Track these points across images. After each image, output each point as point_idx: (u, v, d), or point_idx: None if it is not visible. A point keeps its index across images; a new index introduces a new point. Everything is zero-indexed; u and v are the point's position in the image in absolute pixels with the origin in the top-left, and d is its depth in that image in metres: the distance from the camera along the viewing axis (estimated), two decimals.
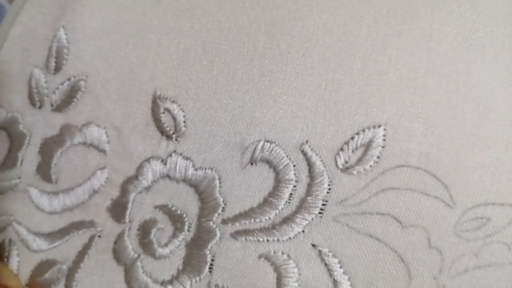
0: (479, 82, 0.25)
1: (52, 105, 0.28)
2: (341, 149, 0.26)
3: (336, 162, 0.25)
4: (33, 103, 0.28)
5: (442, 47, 0.26)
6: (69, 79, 0.28)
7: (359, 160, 0.25)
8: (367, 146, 0.25)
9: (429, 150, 0.25)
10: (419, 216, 0.25)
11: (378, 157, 0.25)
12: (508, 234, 0.25)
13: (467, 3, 0.26)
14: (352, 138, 0.25)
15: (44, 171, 0.28)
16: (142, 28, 0.28)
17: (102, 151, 0.27)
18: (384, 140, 0.25)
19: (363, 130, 0.25)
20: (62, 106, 0.28)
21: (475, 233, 0.25)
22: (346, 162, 0.25)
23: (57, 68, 0.28)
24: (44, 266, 0.27)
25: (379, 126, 0.25)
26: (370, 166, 0.25)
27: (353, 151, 0.25)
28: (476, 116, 0.25)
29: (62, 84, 0.28)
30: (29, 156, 0.28)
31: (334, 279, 0.25)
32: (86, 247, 0.27)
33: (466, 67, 0.26)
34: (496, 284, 0.25)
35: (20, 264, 0.28)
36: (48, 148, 0.28)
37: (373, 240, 0.25)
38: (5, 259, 0.28)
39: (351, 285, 0.25)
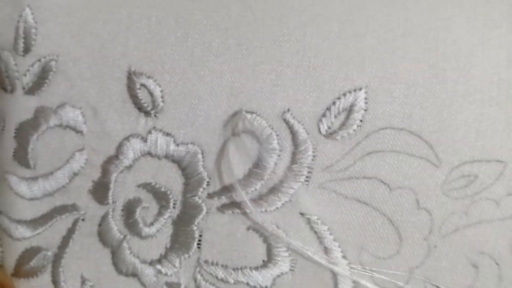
0: (458, 39, 0.25)
1: (24, 88, 0.27)
2: (324, 115, 0.25)
3: (319, 128, 0.25)
4: (4, 88, 0.27)
5: (419, 5, 0.25)
6: (39, 60, 0.27)
7: (342, 125, 0.25)
8: (350, 110, 0.25)
9: (412, 111, 0.25)
10: (406, 177, 0.25)
11: (361, 121, 0.25)
12: (496, 190, 0.25)
13: None
14: (334, 103, 0.25)
15: (21, 156, 0.27)
16: (111, 3, 0.27)
17: (79, 132, 0.27)
18: (366, 103, 0.25)
19: (344, 94, 0.25)
20: (34, 88, 0.27)
21: (463, 191, 0.25)
22: (329, 127, 0.25)
23: (26, 49, 0.27)
24: (29, 254, 0.27)
25: (360, 89, 0.25)
26: (354, 130, 0.25)
27: (335, 116, 0.25)
28: (457, 73, 0.25)
29: (32, 65, 0.27)
30: (5, 143, 0.27)
31: (324, 247, 0.25)
32: (70, 232, 0.26)
33: (444, 24, 0.25)
34: (486, 241, 0.25)
35: (4, 254, 0.27)
36: (24, 132, 0.27)
37: (361, 205, 0.25)
38: None
39: (342, 251, 0.25)
